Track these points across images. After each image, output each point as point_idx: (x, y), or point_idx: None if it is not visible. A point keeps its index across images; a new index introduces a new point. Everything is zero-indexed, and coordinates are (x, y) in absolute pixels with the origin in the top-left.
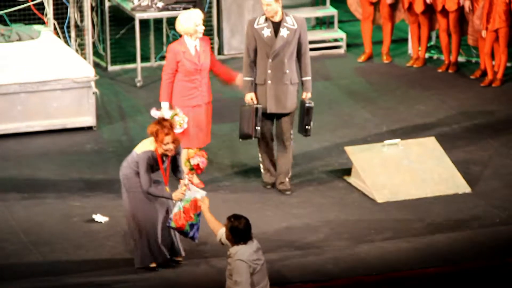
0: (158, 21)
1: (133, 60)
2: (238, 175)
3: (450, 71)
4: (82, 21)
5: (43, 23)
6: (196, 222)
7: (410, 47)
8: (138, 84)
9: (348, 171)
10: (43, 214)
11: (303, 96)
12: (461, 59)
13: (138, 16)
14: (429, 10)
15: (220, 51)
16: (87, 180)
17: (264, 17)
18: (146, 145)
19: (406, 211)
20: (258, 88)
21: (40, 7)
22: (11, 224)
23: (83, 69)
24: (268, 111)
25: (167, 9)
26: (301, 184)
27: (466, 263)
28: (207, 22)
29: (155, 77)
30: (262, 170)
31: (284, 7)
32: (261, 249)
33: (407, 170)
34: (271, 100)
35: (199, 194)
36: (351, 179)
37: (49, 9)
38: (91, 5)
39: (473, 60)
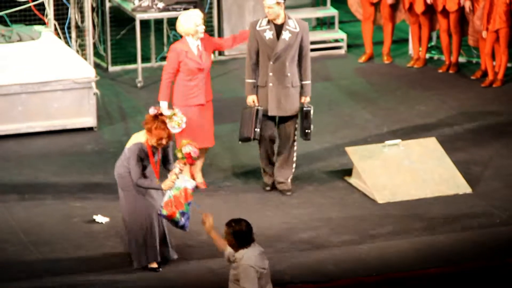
0: (159, 22)
1: (134, 61)
2: (238, 175)
3: (450, 71)
4: (82, 21)
5: (43, 23)
6: (186, 211)
7: (411, 48)
8: (138, 85)
9: (348, 172)
10: (43, 215)
11: (302, 100)
12: (461, 59)
13: (139, 16)
14: (430, 11)
15: (220, 52)
16: (87, 180)
17: (266, 19)
18: (137, 138)
19: (407, 211)
20: (260, 90)
21: (41, 7)
22: (11, 225)
23: (83, 69)
24: (269, 114)
25: (168, 10)
26: (302, 185)
27: (466, 263)
28: (207, 23)
29: (156, 78)
30: (262, 172)
31: (285, 7)
32: (264, 252)
33: (407, 171)
34: (272, 103)
35: (189, 183)
36: (352, 180)
37: (50, 10)
38: (92, 5)
39: (474, 60)
